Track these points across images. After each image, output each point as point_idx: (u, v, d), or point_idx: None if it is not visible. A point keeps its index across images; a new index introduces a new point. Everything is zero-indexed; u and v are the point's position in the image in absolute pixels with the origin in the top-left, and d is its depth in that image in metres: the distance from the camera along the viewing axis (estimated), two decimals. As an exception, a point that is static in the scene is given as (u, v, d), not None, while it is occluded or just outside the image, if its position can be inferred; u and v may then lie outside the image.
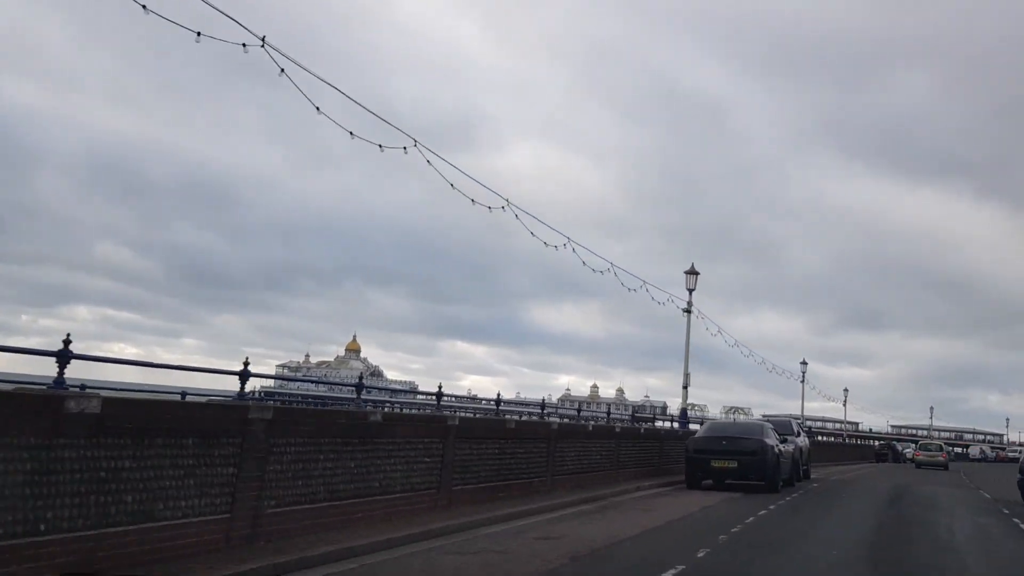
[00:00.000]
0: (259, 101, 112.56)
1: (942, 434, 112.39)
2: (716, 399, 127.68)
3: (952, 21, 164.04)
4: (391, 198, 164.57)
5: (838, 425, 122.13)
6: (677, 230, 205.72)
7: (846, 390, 70.57)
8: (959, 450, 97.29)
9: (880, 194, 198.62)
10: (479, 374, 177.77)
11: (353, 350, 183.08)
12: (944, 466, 48.30)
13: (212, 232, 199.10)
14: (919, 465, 48.72)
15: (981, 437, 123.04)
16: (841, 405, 68.11)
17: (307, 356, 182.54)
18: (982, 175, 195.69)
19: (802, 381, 48.23)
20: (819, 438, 68.06)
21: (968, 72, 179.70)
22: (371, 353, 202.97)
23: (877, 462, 50.67)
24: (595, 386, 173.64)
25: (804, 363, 49.19)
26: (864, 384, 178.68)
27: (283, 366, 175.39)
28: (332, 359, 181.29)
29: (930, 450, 53.41)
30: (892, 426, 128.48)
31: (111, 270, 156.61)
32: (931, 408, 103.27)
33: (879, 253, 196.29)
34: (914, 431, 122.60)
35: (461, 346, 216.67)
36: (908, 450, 64.56)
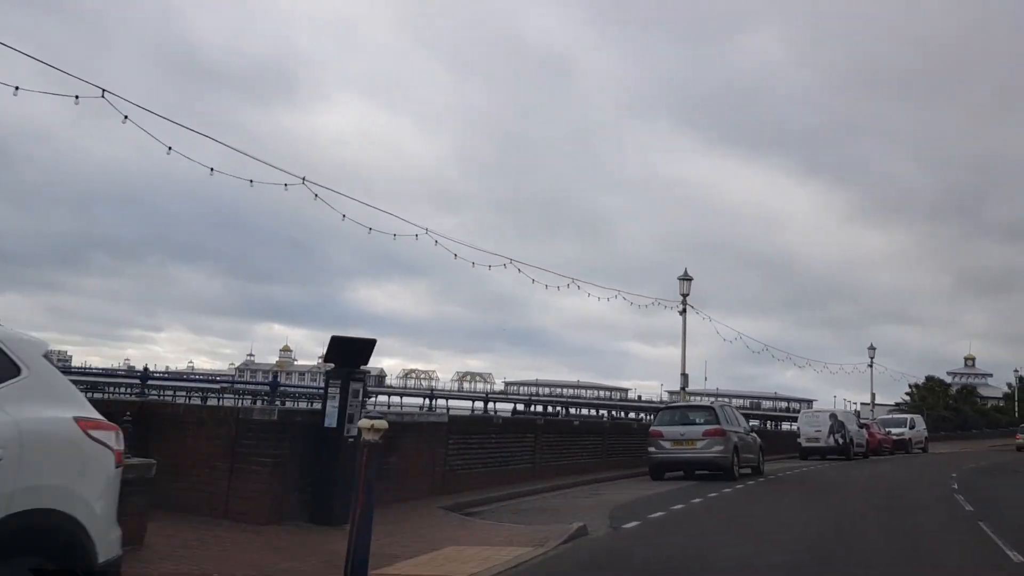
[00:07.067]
0: (29, 31, 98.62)
1: (735, 400, 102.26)
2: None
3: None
4: (194, 158, 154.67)
5: (607, 393, 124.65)
6: (510, 202, 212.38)
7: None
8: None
9: (711, 168, 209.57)
10: (298, 359, 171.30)
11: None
12: None
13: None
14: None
15: (784, 405, 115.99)
16: (657, 384, 63.88)
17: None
18: (810, 149, 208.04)
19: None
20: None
21: (815, 36, 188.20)
22: (180, 337, 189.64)
23: None
24: (287, 348, 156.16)
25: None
26: (676, 363, 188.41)
27: None
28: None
29: None
30: (669, 392, 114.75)
31: None
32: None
33: (704, 230, 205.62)
34: (698, 397, 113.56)
35: (278, 329, 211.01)
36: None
